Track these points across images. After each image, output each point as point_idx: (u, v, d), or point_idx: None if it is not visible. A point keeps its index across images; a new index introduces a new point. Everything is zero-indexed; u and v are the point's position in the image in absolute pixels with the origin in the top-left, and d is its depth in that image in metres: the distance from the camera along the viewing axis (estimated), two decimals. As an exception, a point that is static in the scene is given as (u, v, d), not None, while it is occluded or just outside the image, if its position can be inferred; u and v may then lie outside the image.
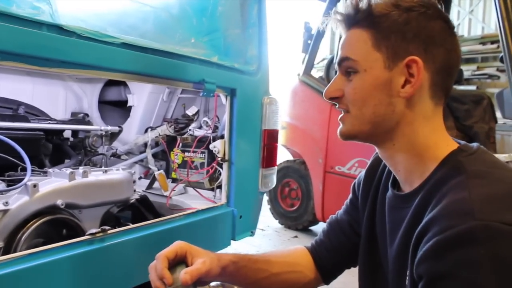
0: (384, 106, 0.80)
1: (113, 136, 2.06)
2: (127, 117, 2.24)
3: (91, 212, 1.47)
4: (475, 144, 0.80)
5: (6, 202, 1.23)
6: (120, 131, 2.07)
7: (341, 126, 0.86)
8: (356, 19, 0.82)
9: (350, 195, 1.09)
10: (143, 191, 2.02)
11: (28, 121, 1.66)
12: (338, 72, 0.86)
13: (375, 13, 0.79)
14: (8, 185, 1.34)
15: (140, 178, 2.29)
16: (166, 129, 2.14)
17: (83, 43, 1.17)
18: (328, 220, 1.13)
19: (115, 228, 1.36)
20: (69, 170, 1.40)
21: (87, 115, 2.14)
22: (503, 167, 0.75)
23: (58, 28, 1.12)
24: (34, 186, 1.27)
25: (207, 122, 2.11)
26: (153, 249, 0.88)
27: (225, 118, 1.92)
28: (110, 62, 1.25)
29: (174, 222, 1.57)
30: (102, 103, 2.31)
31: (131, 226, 1.43)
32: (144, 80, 1.45)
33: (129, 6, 1.51)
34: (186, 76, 1.56)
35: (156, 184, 2.11)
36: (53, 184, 1.34)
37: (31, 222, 1.26)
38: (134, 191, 1.72)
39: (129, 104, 2.20)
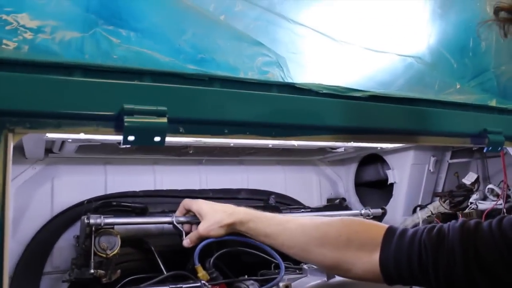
0: None
1: (375, 220, 1.75)
2: (389, 197, 1.91)
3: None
4: None
5: (258, 307, 1.02)
6: (384, 214, 1.74)
7: None
8: None
9: None
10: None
11: (279, 211, 1.49)
12: None
13: None
14: (261, 285, 1.15)
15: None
16: (439, 206, 1.72)
17: (323, 100, 0.93)
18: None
19: None
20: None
21: (344, 199, 1.90)
22: None
23: (291, 88, 0.91)
24: (286, 287, 1.03)
25: (493, 191, 1.63)
26: None
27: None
28: (357, 119, 0.98)
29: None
30: (359, 185, 2.05)
31: None
32: (405, 140, 1.12)
33: (368, 57, 1.25)
34: (460, 128, 1.18)
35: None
36: (309, 284, 1.08)
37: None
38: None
39: (390, 181, 1.87)
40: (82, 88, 0.71)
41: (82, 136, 1.09)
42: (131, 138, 0.71)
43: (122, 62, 0.79)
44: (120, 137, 0.75)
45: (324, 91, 0.93)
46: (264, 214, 1.04)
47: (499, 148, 1.24)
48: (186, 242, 1.15)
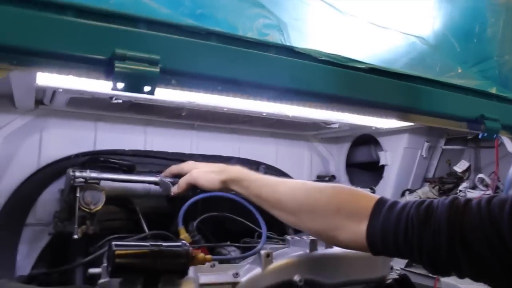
0: None
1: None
2: (379, 179, 1.91)
3: (336, 292, 1.15)
4: None
5: (237, 274, 1.01)
6: (372, 194, 1.74)
7: None
8: None
9: None
10: (402, 268, 1.63)
11: (268, 181, 1.47)
12: None
13: None
14: (243, 253, 1.15)
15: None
16: (428, 191, 1.72)
17: (321, 67, 0.91)
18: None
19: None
20: (310, 238, 1.13)
21: (334, 177, 1.89)
22: None
23: (290, 51, 0.89)
24: (268, 256, 1.02)
25: (483, 180, 1.62)
26: None
27: None
28: (355, 90, 0.96)
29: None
30: (351, 165, 2.04)
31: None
32: (401, 117, 1.10)
33: (372, 32, 1.22)
34: (457, 111, 1.16)
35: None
36: (290, 254, 1.07)
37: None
38: (391, 268, 1.34)
39: (381, 163, 1.86)
40: (73, 28, 0.68)
41: (73, 85, 1.08)
42: (120, 85, 0.69)
43: (118, 8, 0.77)
44: (110, 89, 0.72)
45: (323, 58, 0.91)
46: (257, 174, 1.03)
47: (495, 135, 1.22)
48: (175, 188, 1.12)
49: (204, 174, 1.07)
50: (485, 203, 0.73)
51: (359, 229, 0.82)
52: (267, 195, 0.96)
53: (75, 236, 1.12)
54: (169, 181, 1.17)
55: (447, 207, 0.76)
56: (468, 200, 0.76)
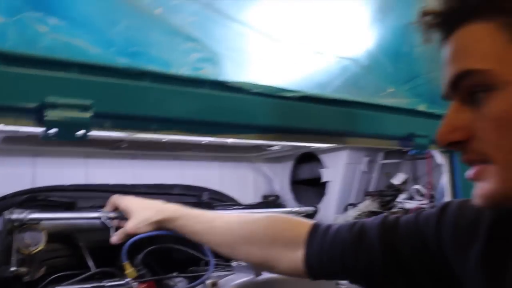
0: None
1: (308, 218, 1.78)
2: (324, 195, 1.96)
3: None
4: None
5: (185, 306, 1.01)
6: (315, 212, 1.78)
7: (480, 186, 0.56)
8: (467, 11, 0.56)
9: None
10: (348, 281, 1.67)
11: (212, 208, 1.48)
12: (451, 101, 0.59)
13: None
14: (190, 282, 1.15)
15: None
16: (369, 204, 1.78)
17: (253, 99, 0.94)
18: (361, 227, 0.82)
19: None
20: (256, 262, 1.14)
21: (278, 197, 1.92)
22: None
23: (222, 86, 0.91)
24: (213, 285, 1.03)
25: (419, 191, 1.70)
26: None
27: (443, 183, 1.50)
28: (288, 119, 0.99)
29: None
30: (296, 183, 2.08)
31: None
32: (335, 141, 1.15)
33: (306, 58, 1.27)
34: (388, 130, 1.22)
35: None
36: (236, 282, 1.09)
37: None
38: (337, 284, 1.38)
39: (323, 180, 1.91)
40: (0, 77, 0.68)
41: (4, 127, 1.05)
42: (52, 132, 0.69)
43: (49, 52, 0.76)
44: (41, 137, 0.72)
45: (255, 90, 0.94)
46: (192, 211, 1.04)
47: (424, 151, 1.29)
48: (114, 239, 1.12)
49: (140, 227, 1.07)
50: (413, 218, 0.78)
51: (296, 257, 0.85)
52: (203, 231, 0.98)
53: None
54: (111, 216, 1.16)
55: (379, 226, 0.80)
56: (398, 218, 0.80)
